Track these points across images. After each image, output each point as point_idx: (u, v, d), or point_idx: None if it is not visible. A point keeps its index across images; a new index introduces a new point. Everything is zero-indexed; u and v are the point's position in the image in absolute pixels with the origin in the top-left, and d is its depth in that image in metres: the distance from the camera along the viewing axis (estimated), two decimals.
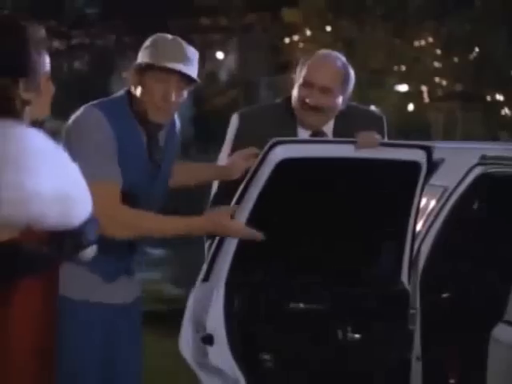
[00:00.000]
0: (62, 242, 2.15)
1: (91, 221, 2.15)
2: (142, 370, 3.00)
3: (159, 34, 2.85)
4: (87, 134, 2.73)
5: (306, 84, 3.29)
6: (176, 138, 3.01)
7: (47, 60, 2.28)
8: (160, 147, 2.89)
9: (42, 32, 2.27)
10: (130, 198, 2.75)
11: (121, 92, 2.87)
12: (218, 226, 2.83)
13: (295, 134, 3.35)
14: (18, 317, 2.13)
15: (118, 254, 2.84)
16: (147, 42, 2.86)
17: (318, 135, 3.35)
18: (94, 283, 2.82)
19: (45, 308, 2.20)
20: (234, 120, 3.39)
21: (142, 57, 2.83)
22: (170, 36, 2.85)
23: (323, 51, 3.42)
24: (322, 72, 3.30)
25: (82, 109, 2.82)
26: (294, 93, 3.33)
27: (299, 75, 3.34)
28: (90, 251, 2.21)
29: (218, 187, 3.38)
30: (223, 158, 3.36)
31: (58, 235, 2.13)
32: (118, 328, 2.87)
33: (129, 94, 2.83)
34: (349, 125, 3.32)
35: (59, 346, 2.30)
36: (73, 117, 2.81)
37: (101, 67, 15.64)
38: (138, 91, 2.80)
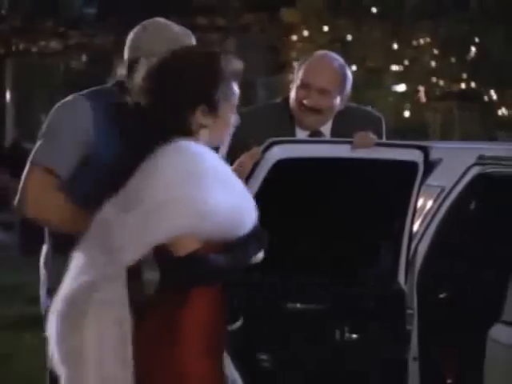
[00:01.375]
0: (240, 250, 2.36)
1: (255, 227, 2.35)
2: None
3: (152, 23, 2.79)
4: (55, 116, 2.71)
5: (304, 85, 3.29)
6: None
7: (236, 91, 2.42)
8: None
9: (236, 64, 2.42)
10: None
11: (111, 82, 2.82)
12: None
13: (293, 134, 3.34)
14: (190, 319, 2.32)
15: None
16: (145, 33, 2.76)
17: (315, 135, 3.35)
18: None
19: (215, 316, 2.37)
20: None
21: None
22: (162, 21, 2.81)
23: (320, 52, 3.42)
24: (320, 74, 3.29)
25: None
26: (292, 94, 3.33)
27: (297, 76, 3.34)
28: (260, 255, 2.42)
29: None
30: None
31: (232, 245, 2.33)
32: None
33: (119, 85, 2.76)
34: (347, 125, 3.32)
35: None
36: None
37: (98, 67, 15.65)
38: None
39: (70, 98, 2.75)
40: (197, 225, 2.23)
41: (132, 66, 2.71)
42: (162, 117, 2.35)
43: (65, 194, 2.64)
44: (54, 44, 13.25)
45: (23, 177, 2.65)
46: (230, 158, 3.31)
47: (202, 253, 2.27)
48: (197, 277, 2.29)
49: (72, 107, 2.70)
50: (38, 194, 2.62)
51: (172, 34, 2.75)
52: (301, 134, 3.35)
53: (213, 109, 2.35)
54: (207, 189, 2.26)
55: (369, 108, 3.52)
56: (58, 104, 2.76)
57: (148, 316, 2.33)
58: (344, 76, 3.33)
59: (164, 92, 2.35)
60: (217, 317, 2.38)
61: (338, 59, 3.36)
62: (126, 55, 2.77)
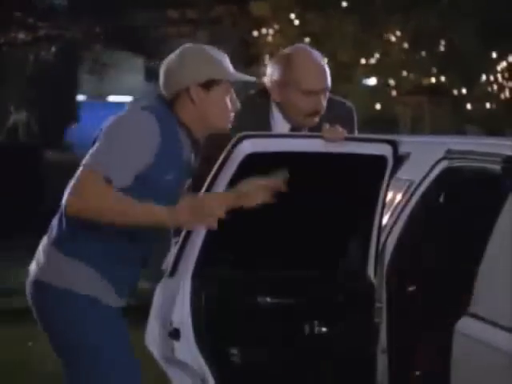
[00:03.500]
0: None
1: None
2: None
3: (197, 47, 2.90)
4: (127, 130, 2.75)
5: (307, 93, 3.26)
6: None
7: None
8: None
9: None
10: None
11: (155, 98, 2.87)
12: (195, 203, 2.73)
13: (269, 127, 3.33)
14: None
15: (132, 267, 2.88)
16: (196, 57, 2.86)
17: (295, 130, 3.35)
18: (105, 287, 2.84)
19: None
20: None
21: (203, 73, 2.83)
22: (206, 47, 2.91)
23: (303, 50, 3.35)
24: (319, 76, 3.28)
25: (130, 107, 2.83)
26: (293, 101, 3.26)
27: (284, 76, 3.27)
28: None
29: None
30: None
31: None
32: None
33: (165, 102, 2.85)
34: (323, 116, 3.31)
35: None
36: (120, 114, 2.82)
37: (67, 59, 15.52)
38: (200, 105, 2.83)
39: (145, 114, 2.76)
40: None
41: None
42: None
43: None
44: (23, 35, 13.12)
45: (78, 177, 2.68)
46: (205, 150, 3.30)
47: None
48: None
49: (147, 128, 2.74)
50: (94, 193, 2.67)
51: None
52: (280, 127, 3.33)
53: None
54: None
55: (341, 98, 3.52)
56: (134, 115, 2.77)
57: None
58: (327, 67, 3.33)
59: None
60: None
61: (315, 51, 3.35)
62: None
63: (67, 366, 2.85)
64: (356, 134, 3.40)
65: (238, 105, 2.91)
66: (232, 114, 2.91)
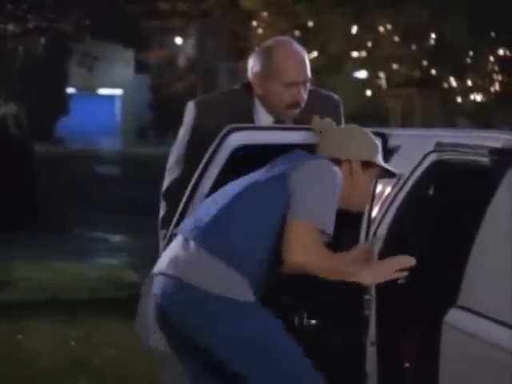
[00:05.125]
0: None
1: None
2: None
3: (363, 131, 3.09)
4: (330, 179, 2.90)
5: (290, 84, 3.27)
6: None
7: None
8: None
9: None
10: None
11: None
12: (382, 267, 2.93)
13: (253, 121, 3.34)
14: None
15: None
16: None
17: (278, 123, 3.35)
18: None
19: None
20: (191, 108, 3.37)
21: (368, 153, 3.06)
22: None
23: (284, 42, 3.36)
24: (300, 67, 3.28)
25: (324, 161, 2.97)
26: (274, 93, 3.27)
27: (265, 68, 3.28)
28: None
29: (170, 182, 3.36)
30: (180, 147, 3.34)
31: None
32: None
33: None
34: (308, 109, 3.32)
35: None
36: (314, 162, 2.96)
37: (57, 51, 15.48)
38: (357, 179, 3.05)
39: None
40: None
41: None
42: None
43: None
44: (12, 27, 13.08)
45: (295, 234, 2.80)
46: (191, 146, 3.30)
47: None
48: None
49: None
50: (310, 248, 2.82)
51: None
52: (264, 120, 3.34)
53: None
54: None
55: (328, 91, 3.52)
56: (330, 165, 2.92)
57: None
58: (307, 58, 3.34)
59: None
60: None
61: (295, 42, 3.36)
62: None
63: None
64: None
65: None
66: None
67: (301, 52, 3.32)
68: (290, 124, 3.34)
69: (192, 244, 2.84)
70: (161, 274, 2.86)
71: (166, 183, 3.38)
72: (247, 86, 3.36)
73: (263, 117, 3.34)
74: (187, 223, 2.93)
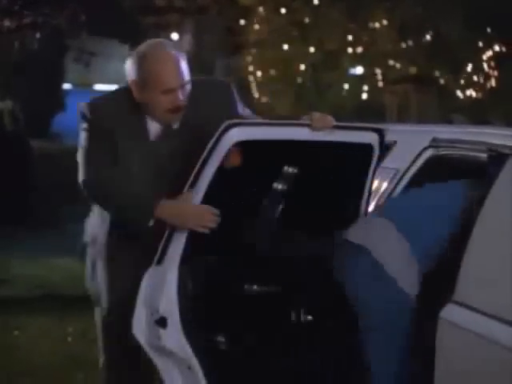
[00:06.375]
0: None
1: None
2: None
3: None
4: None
5: (167, 91, 3.18)
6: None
7: None
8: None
9: None
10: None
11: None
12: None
13: (144, 124, 3.26)
14: None
15: None
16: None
17: (166, 126, 3.27)
18: None
19: None
20: (86, 111, 3.25)
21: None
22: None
23: (155, 46, 3.22)
24: (174, 72, 3.18)
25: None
26: (153, 100, 3.19)
27: (140, 77, 3.18)
28: None
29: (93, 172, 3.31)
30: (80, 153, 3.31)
31: None
32: None
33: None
34: (195, 102, 3.25)
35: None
36: None
37: (53, 47, 15.46)
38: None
39: None
40: None
41: None
42: None
43: None
44: (8, 23, 13.04)
45: None
46: (90, 146, 3.25)
47: None
48: None
49: None
50: None
51: None
52: (153, 127, 3.27)
53: None
54: None
55: (214, 77, 3.46)
56: None
57: None
58: (184, 58, 3.23)
59: None
60: None
61: (170, 44, 3.26)
62: None
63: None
64: (243, 108, 3.34)
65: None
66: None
67: (174, 56, 3.19)
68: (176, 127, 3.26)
69: None
70: None
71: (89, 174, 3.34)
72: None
73: (150, 122, 3.26)
74: None
